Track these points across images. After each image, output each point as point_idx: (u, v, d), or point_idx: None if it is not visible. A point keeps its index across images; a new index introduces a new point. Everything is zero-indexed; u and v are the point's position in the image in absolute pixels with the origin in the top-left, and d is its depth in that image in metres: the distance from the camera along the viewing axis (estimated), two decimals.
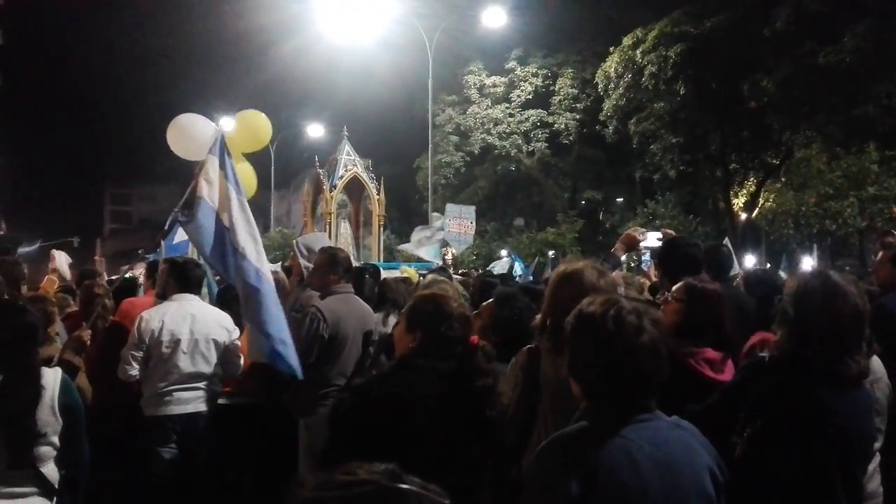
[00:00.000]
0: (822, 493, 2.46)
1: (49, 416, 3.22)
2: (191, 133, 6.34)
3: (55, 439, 3.29)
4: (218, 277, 6.07)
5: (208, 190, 4.63)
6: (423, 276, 6.79)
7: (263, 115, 8.43)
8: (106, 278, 8.70)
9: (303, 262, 5.56)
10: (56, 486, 3.30)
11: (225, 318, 5.06)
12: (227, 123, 9.32)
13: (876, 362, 3.42)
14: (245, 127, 8.14)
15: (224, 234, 4.57)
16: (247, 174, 7.58)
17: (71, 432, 3.30)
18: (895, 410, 3.54)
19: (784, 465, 2.48)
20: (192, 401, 4.79)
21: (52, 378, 3.29)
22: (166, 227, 5.36)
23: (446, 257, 13.69)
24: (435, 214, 14.67)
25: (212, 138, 5.01)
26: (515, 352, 3.89)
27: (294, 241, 5.10)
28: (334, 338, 4.73)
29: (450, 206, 14.79)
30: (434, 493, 1.02)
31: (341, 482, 0.99)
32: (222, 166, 4.71)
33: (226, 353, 4.96)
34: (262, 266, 4.52)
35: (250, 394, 5.14)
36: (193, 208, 4.60)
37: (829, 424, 2.45)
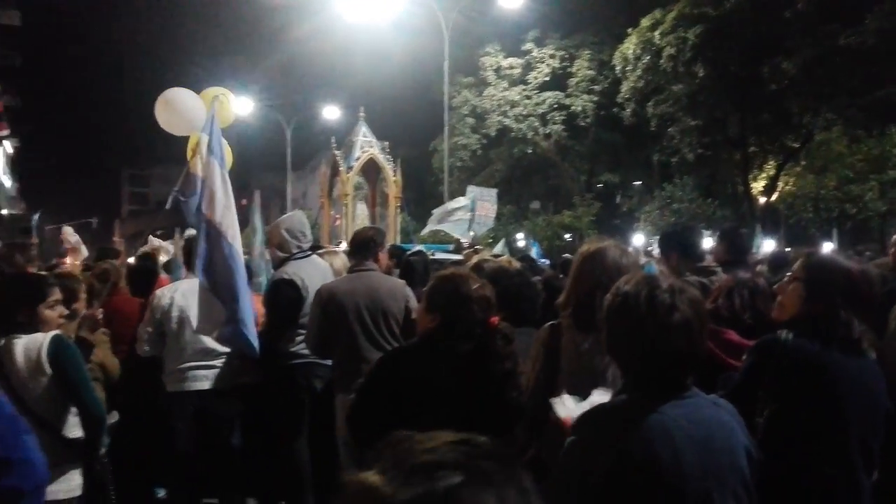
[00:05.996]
0: (840, 460, 2.54)
1: (43, 374, 3.30)
2: (178, 108, 6.09)
3: (63, 397, 3.40)
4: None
5: (202, 167, 4.62)
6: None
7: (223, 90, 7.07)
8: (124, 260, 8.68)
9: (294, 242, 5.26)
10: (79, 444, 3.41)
11: None
12: (245, 105, 9.05)
13: None
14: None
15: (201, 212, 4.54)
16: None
17: (66, 384, 3.37)
18: None
19: (803, 435, 2.56)
20: (208, 378, 4.80)
21: (40, 339, 3.34)
22: (167, 207, 5.34)
23: (463, 240, 13.63)
24: (460, 199, 14.36)
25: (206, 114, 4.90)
26: (524, 320, 3.94)
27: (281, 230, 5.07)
28: (330, 315, 4.63)
29: (471, 188, 14.71)
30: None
31: (464, 453, 0.90)
32: (209, 143, 4.67)
33: None
34: (235, 243, 4.55)
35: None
36: (192, 187, 4.60)
37: (841, 383, 2.57)
